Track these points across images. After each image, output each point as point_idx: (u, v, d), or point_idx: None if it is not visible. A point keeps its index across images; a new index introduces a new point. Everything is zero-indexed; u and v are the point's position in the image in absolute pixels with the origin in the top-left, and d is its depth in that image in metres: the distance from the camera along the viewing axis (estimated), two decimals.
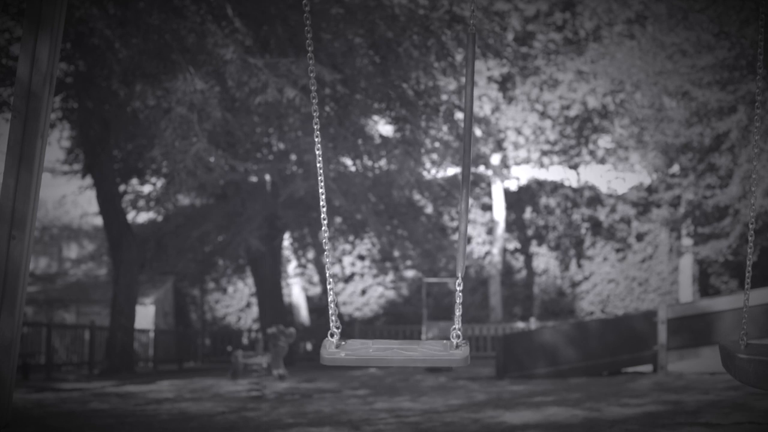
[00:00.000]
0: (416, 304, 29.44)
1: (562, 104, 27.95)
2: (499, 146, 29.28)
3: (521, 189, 32.24)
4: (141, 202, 23.30)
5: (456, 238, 30.89)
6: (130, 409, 10.01)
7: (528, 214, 32.01)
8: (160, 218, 26.53)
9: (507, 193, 31.45)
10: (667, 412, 8.65)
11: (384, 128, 21.99)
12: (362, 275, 31.56)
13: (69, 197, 30.00)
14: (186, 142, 13.78)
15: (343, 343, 3.22)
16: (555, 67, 28.04)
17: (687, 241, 28.51)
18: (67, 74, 18.00)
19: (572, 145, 29.86)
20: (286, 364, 14.92)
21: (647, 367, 15.07)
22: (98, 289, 27.83)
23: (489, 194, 31.19)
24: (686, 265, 29.53)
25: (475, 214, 31.63)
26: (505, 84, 28.54)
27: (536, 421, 8.12)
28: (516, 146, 29.19)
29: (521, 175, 32.41)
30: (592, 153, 30.19)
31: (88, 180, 22.20)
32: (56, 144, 22.89)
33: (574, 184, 32.31)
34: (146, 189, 23.74)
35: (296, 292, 30.69)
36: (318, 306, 31.17)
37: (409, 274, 31.15)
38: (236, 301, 31.57)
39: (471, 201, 31.09)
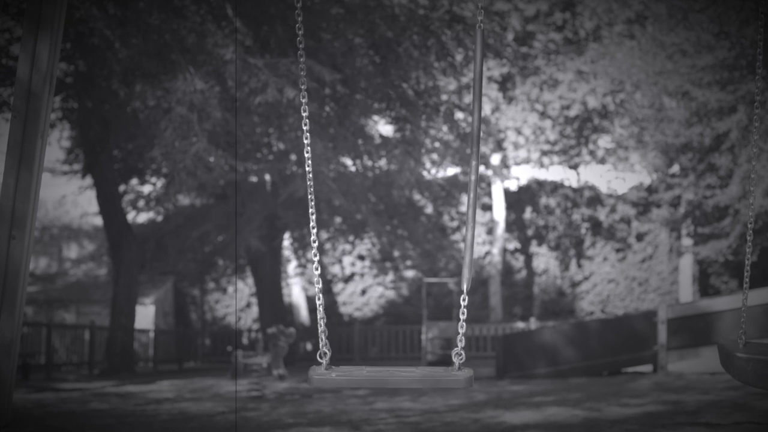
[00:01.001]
0: (416, 304, 29.43)
1: (562, 104, 27.94)
2: (499, 146, 29.28)
3: (521, 189, 32.23)
4: (141, 202, 23.30)
5: (456, 238, 30.99)
6: (130, 409, 10.02)
7: (528, 214, 32.01)
8: (160, 218, 26.52)
9: (507, 193, 31.44)
10: (667, 412, 8.65)
11: (384, 128, 22.00)
12: (362, 275, 31.56)
13: (69, 197, 30.01)
14: (186, 142, 13.78)
15: (333, 367, 2.91)
16: (555, 67, 28.03)
17: (687, 241, 28.50)
18: (67, 74, 18.00)
19: (572, 145, 29.85)
20: (286, 364, 14.92)
21: (647, 367, 15.07)
22: (98, 289, 27.83)
23: (489, 194, 31.18)
24: (686, 265, 29.52)
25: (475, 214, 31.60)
26: (505, 84, 28.53)
27: (536, 421, 8.13)
28: (516, 146, 29.19)
29: (521, 175, 32.41)
30: (592, 153, 30.18)
31: (88, 180, 22.20)
32: (56, 144, 22.89)
33: (574, 184, 32.30)
34: (146, 189, 23.74)
35: (296, 292, 30.69)
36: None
37: (409, 274, 31.15)
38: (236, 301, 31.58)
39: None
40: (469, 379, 2.77)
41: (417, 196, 26.63)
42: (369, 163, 20.55)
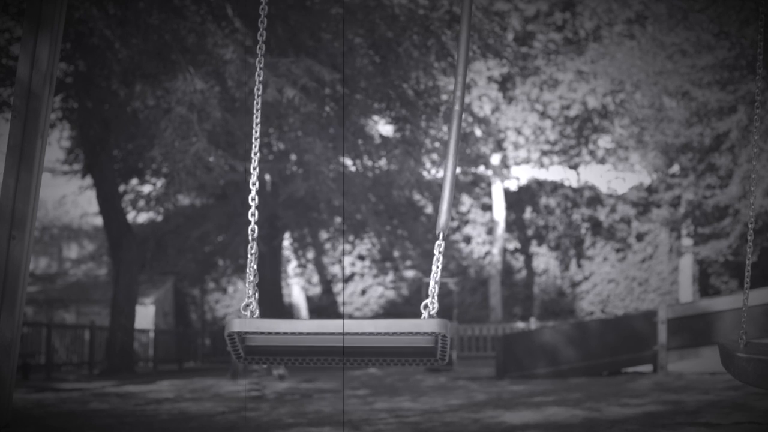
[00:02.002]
0: (416, 304, 29.40)
1: (562, 104, 27.94)
2: (499, 146, 29.28)
3: (521, 189, 32.23)
4: (141, 202, 23.30)
5: (456, 238, 30.98)
6: (130, 409, 10.01)
7: (528, 214, 32.01)
8: (160, 218, 26.53)
9: (507, 193, 31.44)
10: (667, 412, 8.65)
11: (384, 128, 22.00)
12: (362, 275, 31.55)
13: (69, 197, 30.00)
14: (186, 142, 13.78)
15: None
16: (555, 67, 28.03)
17: (687, 241, 28.50)
18: (67, 74, 18.00)
19: (572, 145, 29.85)
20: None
21: (647, 367, 15.06)
22: (98, 289, 27.82)
23: (489, 194, 31.18)
24: (686, 265, 29.52)
25: (475, 214, 31.62)
26: (505, 84, 28.53)
27: (536, 421, 8.12)
28: (516, 146, 29.19)
29: (521, 175, 32.44)
30: (592, 153, 30.18)
31: (88, 180, 22.20)
32: (56, 144, 22.90)
33: (574, 184, 32.30)
34: (146, 189, 23.74)
35: (296, 292, 30.69)
36: (318, 306, 31.17)
37: (409, 274, 31.15)
38: (236, 301, 31.57)
39: (471, 201, 31.08)
40: (442, 324, 2.35)
41: (417, 196, 26.63)
42: (369, 163, 20.55)
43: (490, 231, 31.28)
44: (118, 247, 20.03)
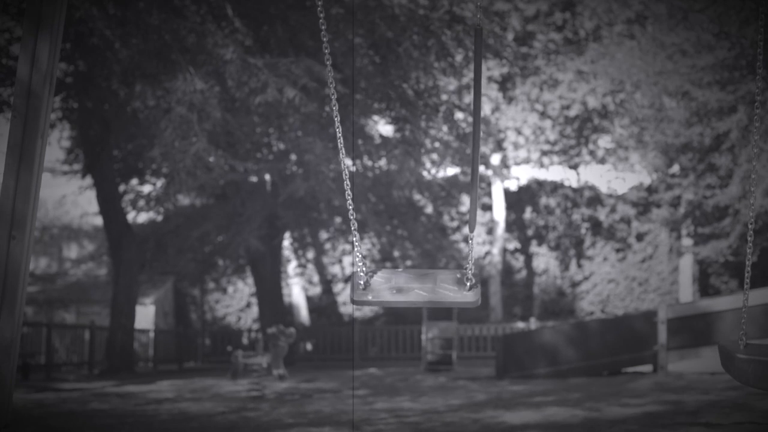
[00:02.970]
0: None
1: (562, 104, 27.94)
2: (499, 146, 29.28)
3: (521, 189, 32.23)
4: (141, 202, 23.27)
5: (456, 238, 30.93)
6: (130, 409, 10.02)
7: (528, 214, 32.01)
8: (160, 218, 26.51)
9: (507, 193, 31.44)
10: (667, 412, 8.65)
11: (384, 128, 21.99)
12: None
13: (69, 197, 29.98)
14: (186, 142, 13.78)
15: (368, 283, 3.37)
16: (555, 67, 28.03)
17: (687, 241, 28.49)
18: (67, 74, 18.00)
19: (572, 145, 29.85)
20: (286, 364, 14.91)
21: (647, 367, 15.06)
22: (98, 289, 27.82)
23: (489, 194, 31.19)
24: (686, 265, 29.52)
25: None
26: (505, 84, 28.52)
27: (536, 421, 8.13)
28: (516, 146, 29.19)
29: (521, 175, 32.39)
30: (592, 153, 30.18)
31: (88, 180, 22.20)
32: (56, 144, 22.89)
33: (574, 184, 32.29)
34: (146, 189, 23.73)
35: (296, 292, 30.69)
36: (318, 306, 31.17)
37: None
38: (236, 301, 31.57)
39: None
40: (476, 300, 3.31)
41: (417, 196, 26.62)
42: (369, 163, 20.55)
43: (490, 231, 31.28)
44: (118, 247, 20.03)
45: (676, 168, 27.23)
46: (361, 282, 3.36)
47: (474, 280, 3.33)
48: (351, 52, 16.35)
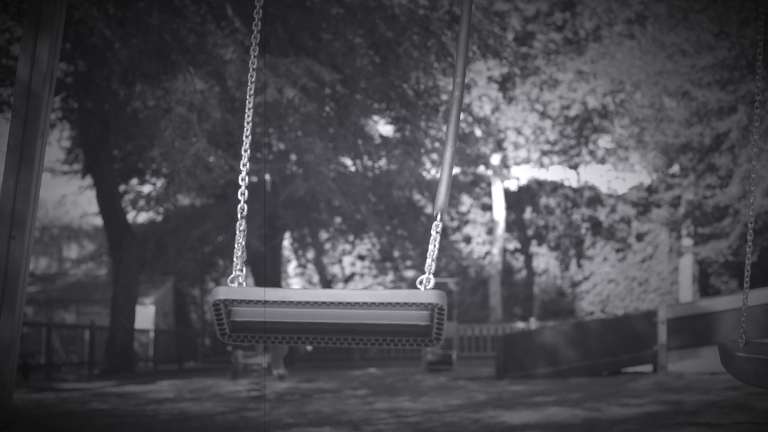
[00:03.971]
0: None
1: (562, 104, 27.94)
2: (499, 146, 29.28)
3: (521, 189, 32.23)
4: (141, 202, 23.30)
5: (456, 238, 30.94)
6: (130, 409, 10.01)
7: (528, 214, 32.01)
8: (160, 218, 26.52)
9: (507, 193, 31.44)
10: (667, 412, 8.65)
11: (384, 128, 22.00)
12: (362, 275, 31.55)
13: (69, 197, 30.03)
14: (186, 142, 13.78)
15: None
16: (555, 67, 28.03)
17: (687, 241, 28.50)
18: (67, 74, 18.00)
19: (572, 145, 29.85)
20: (286, 364, 14.92)
21: (647, 367, 15.06)
22: (98, 289, 27.83)
23: (489, 194, 31.18)
24: (686, 265, 29.52)
25: (475, 214, 31.61)
26: (505, 84, 28.52)
27: (536, 421, 8.12)
28: (516, 146, 29.19)
29: (521, 175, 32.48)
30: (592, 153, 30.18)
31: (88, 180, 22.20)
32: (56, 144, 22.90)
33: (574, 184, 32.31)
34: (146, 189, 23.74)
35: None
36: None
37: (409, 274, 31.14)
38: None
39: (471, 201, 31.07)
40: (439, 295, 2.27)
41: (417, 196, 26.63)
42: (369, 163, 20.55)
43: (490, 231, 31.28)
44: (118, 247, 20.03)
45: (676, 168, 27.23)
46: (236, 284, 2.46)
47: (432, 282, 2.35)
48: (351, 52, 16.36)
